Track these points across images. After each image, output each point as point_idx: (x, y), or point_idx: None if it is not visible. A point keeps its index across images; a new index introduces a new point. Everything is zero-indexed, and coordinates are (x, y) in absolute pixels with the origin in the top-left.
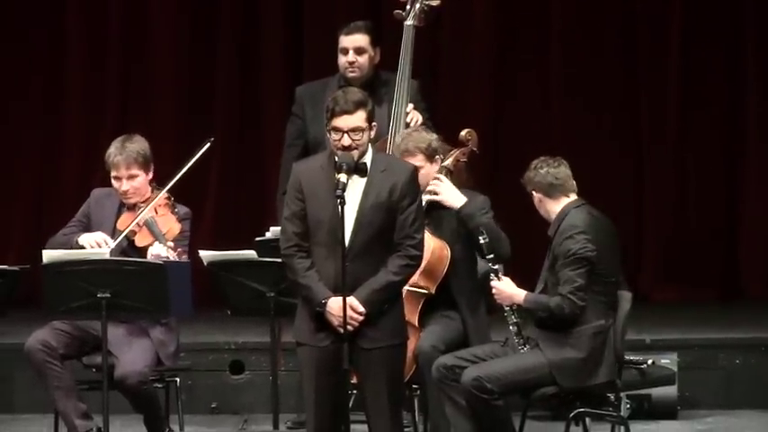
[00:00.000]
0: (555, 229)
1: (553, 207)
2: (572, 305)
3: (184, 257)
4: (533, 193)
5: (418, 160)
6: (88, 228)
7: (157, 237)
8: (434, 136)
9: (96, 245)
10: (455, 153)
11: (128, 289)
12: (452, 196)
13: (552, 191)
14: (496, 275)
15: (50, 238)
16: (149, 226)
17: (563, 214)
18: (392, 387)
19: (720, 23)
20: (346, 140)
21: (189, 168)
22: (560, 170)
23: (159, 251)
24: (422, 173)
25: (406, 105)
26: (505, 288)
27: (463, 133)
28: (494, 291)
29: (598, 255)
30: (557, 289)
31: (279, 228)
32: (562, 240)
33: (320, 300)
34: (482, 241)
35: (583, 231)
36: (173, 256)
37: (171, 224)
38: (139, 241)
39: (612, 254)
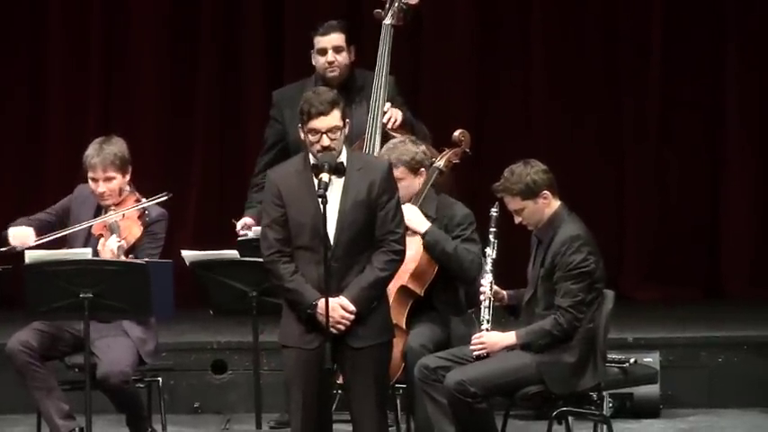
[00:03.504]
0: (550, 234)
1: (546, 210)
2: (571, 319)
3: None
4: (518, 199)
5: (400, 173)
6: (63, 221)
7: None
8: (421, 148)
9: (18, 238)
10: (448, 154)
11: (110, 289)
12: (416, 221)
13: (554, 190)
14: (488, 323)
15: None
16: (112, 230)
17: (558, 220)
18: (379, 386)
19: (701, 24)
20: (325, 141)
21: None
22: (543, 170)
23: (111, 245)
24: (403, 185)
25: (384, 104)
26: (495, 340)
27: (456, 134)
28: (480, 346)
29: (596, 265)
30: (549, 297)
31: (260, 228)
32: (565, 251)
33: (311, 302)
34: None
35: (586, 243)
36: (122, 256)
37: (131, 228)
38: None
39: (602, 260)
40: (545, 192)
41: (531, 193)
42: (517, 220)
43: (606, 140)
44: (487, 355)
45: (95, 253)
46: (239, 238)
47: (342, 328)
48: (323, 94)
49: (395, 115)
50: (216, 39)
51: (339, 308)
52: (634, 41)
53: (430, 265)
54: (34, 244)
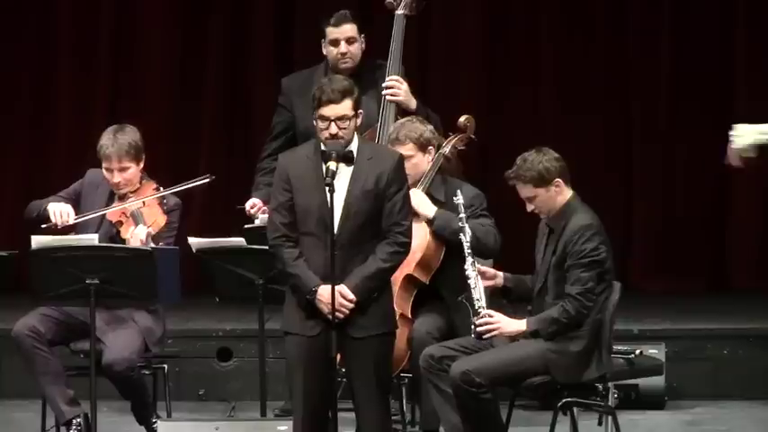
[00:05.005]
0: (562, 223)
1: (558, 198)
2: (579, 306)
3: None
4: (530, 186)
5: (408, 149)
6: (76, 205)
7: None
8: (429, 127)
9: (60, 215)
10: (453, 140)
11: (116, 275)
12: (424, 206)
13: (566, 179)
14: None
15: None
16: (135, 218)
17: (570, 209)
18: (381, 376)
19: (711, 17)
20: (333, 129)
21: (180, 190)
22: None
23: (140, 233)
24: (412, 162)
25: None
26: (508, 322)
27: (462, 119)
28: (491, 326)
29: (607, 255)
30: (559, 286)
31: (266, 216)
32: (577, 239)
33: (310, 288)
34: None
35: (598, 233)
36: (151, 243)
37: (156, 216)
38: (125, 232)
39: (612, 251)
40: (557, 180)
41: (543, 180)
42: (529, 208)
43: (614, 129)
44: (489, 343)
45: (108, 238)
46: (246, 226)
47: (340, 316)
48: (337, 82)
49: (397, 89)
50: (225, 31)
51: (338, 296)
52: (643, 30)
53: (436, 254)
54: (73, 222)
